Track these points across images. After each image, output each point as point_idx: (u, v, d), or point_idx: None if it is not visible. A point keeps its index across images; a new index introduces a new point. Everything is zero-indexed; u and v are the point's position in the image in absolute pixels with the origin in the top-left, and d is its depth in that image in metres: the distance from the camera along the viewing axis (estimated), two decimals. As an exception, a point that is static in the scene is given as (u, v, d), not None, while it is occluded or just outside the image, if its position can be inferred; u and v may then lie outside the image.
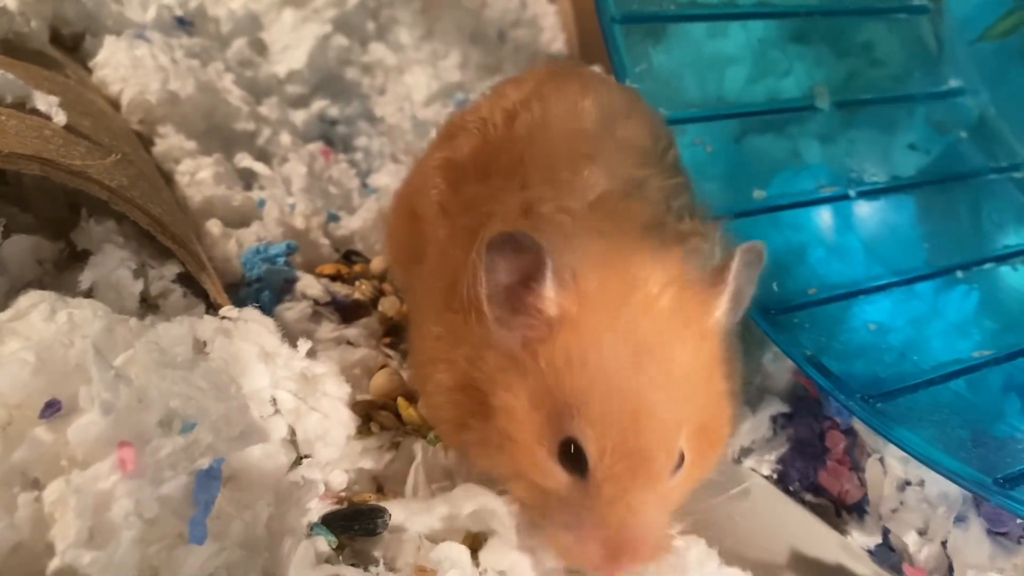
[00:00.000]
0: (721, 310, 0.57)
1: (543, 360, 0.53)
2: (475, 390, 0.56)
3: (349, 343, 0.79)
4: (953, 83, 1.05)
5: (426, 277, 0.64)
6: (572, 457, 0.52)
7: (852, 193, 0.92)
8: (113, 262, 0.65)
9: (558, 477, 0.53)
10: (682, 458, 0.54)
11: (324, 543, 0.59)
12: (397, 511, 0.62)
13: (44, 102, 0.69)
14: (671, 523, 0.57)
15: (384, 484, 0.68)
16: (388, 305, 0.83)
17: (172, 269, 0.69)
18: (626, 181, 0.62)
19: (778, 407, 0.80)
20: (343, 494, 0.66)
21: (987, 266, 0.89)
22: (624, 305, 0.53)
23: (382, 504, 0.62)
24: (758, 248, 0.58)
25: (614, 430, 0.51)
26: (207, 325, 0.63)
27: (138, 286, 0.66)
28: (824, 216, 0.92)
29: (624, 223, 0.59)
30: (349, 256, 0.95)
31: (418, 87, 1.47)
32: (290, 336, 0.74)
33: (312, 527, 0.60)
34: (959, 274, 0.88)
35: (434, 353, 0.60)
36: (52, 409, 0.51)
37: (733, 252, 0.57)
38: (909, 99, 1.04)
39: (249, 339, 0.64)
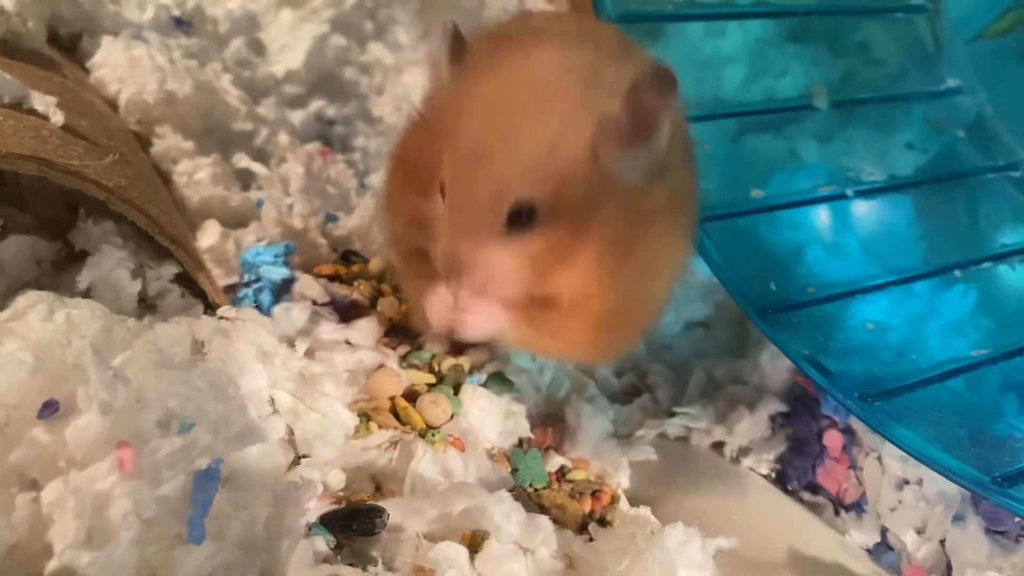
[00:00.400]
0: (616, 109, 0.57)
1: (434, 117, 0.63)
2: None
3: (348, 343, 0.79)
4: (951, 82, 1.05)
5: None
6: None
7: (850, 192, 0.92)
8: (111, 262, 0.65)
9: (436, 204, 0.60)
10: (530, 217, 0.57)
11: (322, 543, 0.59)
12: (395, 511, 0.62)
13: (42, 102, 0.69)
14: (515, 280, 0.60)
15: (382, 484, 0.68)
16: (387, 305, 0.83)
17: (170, 269, 0.69)
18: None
19: (776, 406, 0.81)
20: (341, 494, 0.66)
21: (985, 265, 0.89)
22: (512, 67, 0.60)
23: (380, 504, 0.63)
24: (664, 71, 0.57)
25: (457, 167, 0.58)
26: (205, 325, 0.63)
27: (136, 286, 0.66)
28: (821, 215, 0.92)
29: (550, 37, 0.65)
30: (347, 256, 0.94)
31: (416, 87, 1.46)
32: (288, 336, 0.75)
33: (310, 527, 0.60)
34: (957, 273, 0.88)
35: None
36: (50, 409, 0.51)
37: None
38: (906, 98, 1.04)
39: (247, 339, 0.64)
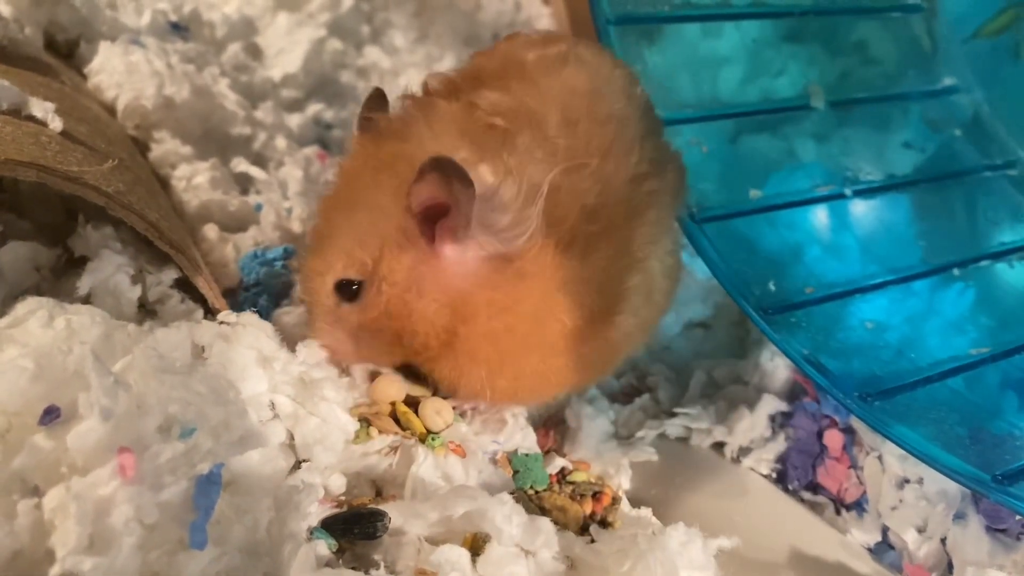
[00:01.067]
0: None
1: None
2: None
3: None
4: (947, 81, 1.05)
5: None
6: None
7: (848, 192, 0.93)
8: (111, 268, 0.65)
9: None
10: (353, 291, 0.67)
11: (324, 547, 0.58)
12: (396, 514, 0.62)
13: (40, 108, 0.69)
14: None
15: (383, 488, 0.68)
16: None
17: (170, 274, 0.69)
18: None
19: (776, 406, 0.81)
20: (342, 498, 0.66)
21: (983, 263, 0.89)
22: (377, 152, 0.69)
23: (381, 507, 0.63)
24: (439, 160, 0.60)
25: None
26: (205, 330, 0.62)
27: (136, 292, 0.66)
28: (820, 215, 0.92)
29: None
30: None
31: (413, 90, 1.46)
32: (288, 340, 0.75)
33: (312, 531, 0.60)
34: (955, 272, 0.88)
35: None
36: (51, 416, 0.51)
37: None
38: (903, 98, 1.04)
39: (247, 344, 0.63)
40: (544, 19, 1.79)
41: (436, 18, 1.74)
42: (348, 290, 0.67)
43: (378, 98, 0.74)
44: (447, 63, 1.57)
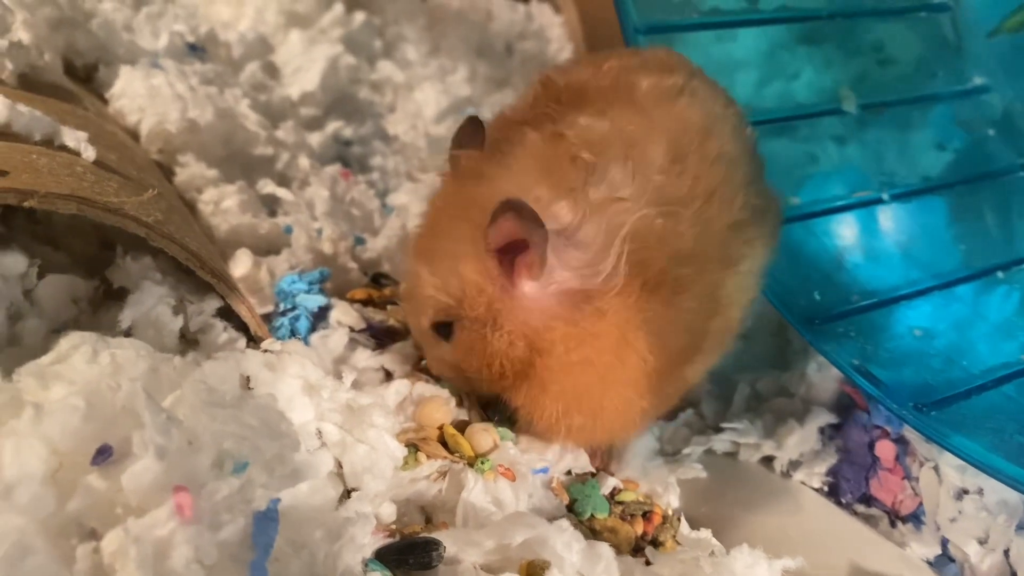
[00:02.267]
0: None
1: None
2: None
3: (385, 369, 0.78)
4: (977, 80, 1.04)
5: None
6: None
7: (885, 196, 0.91)
8: (152, 299, 0.64)
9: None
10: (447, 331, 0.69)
11: (379, 579, 0.57)
12: (449, 542, 0.60)
13: (72, 138, 0.68)
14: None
15: (433, 515, 0.67)
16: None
17: (212, 304, 0.67)
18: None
19: (825, 418, 0.79)
20: (393, 527, 0.64)
21: (1024, 265, 0.88)
22: (458, 194, 0.70)
23: (435, 536, 0.61)
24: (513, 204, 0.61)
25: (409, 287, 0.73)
26: (251, 360, 0.61)
27: (178, 323, 0.65)
28: (858, 221, 0.91)
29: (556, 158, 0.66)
30: (377, 279, 0.93)
31: (428, 103, 1.46)
32: (327, 365, 0.74)
33: (366, 563, 0.58)
34: (999, 274, 0.86)
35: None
36: (104, 455, 0.49)
37: None
38: (934, 98, 1.03)
39: (293, 372, 0.62)
40: (556, 28, 1.78)
41: (447, 30, 1.73)
42: (443, 330, 0.70)
43: (471, 128, 0.72)
44: (460, 75, 1.56)
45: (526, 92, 0.78)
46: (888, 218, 0.92)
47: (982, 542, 0.72)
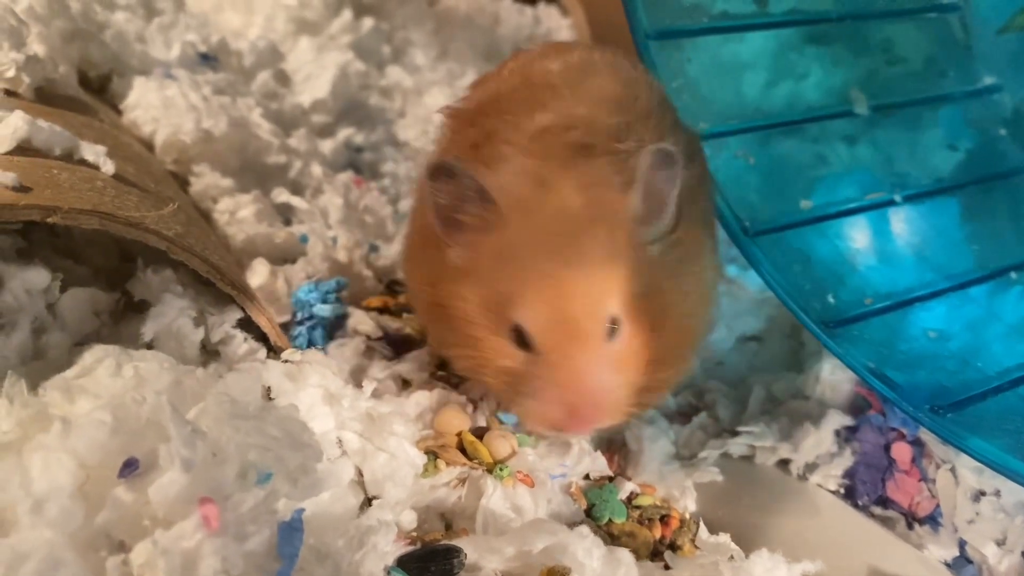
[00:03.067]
0: (634, 204, 0.64)
1: (483, 265, 0.63)
2: (446, 308, 0.65)
3: (402, 377, 0.79)
4: (987, 80, 1.04)
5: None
6: (521, 338, 0.62)
7: (898, 198, 0.91)
8: (174, 312, 0.64)
9: (515, 357, 0.63)
10: (615, 325, 0.63)
11: (402, 586, 0.58)
12: (470, 549, 0.61)
13: (91, 152, 0.69)
14: (624, 385, 0.65)
15: (453, 521, 0.67)
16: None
17: (232, 315, 0.68)
18: (570, 117, 0.68)
19: (841, 420, 0.79)
20: (414, 534, 0.65)
21: (1040, 266, 0.88)
22: (541, 207, 0.62)
23: (455, 543, 0.62)
24: (665, 150, 0.63)
25: (545, 308, 0.61)
26: (271, 370, 0.62)
27: (199, 334, 0.65)
28: (870, 223, 0.91)
29: (555, 147, 0.66)
30: (392, 286, 0.94)
31: (437, 108, 1.46)
32: (344, 373, 0.74)
33: (388, 570, 0.59)
34: (1013, 275, 0.86)
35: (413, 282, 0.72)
36: (131, 468, 0.50)
37: (643, 153, 0.64)
38: (944, 99, 1.02)
39: (314, 382, 0.63)
40: (563, 31, 1.79)
41: (455, 35, 1.74)
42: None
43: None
44: (468, 79, 1.56)
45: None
46: (900, 220, 0.92)
47: (1000, 543, 0.72)
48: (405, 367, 0.79)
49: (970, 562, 0.72)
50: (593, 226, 0.62)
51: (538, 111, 0.69)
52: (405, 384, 0.78)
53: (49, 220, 0.56)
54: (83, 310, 0.65)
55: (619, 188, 0.64)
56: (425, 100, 1.49)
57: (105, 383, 0.56)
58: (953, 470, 0.76)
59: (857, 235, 0.89)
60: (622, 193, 0.63)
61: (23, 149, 0.66)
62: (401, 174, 1.27)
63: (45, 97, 0.87)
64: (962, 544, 0.73)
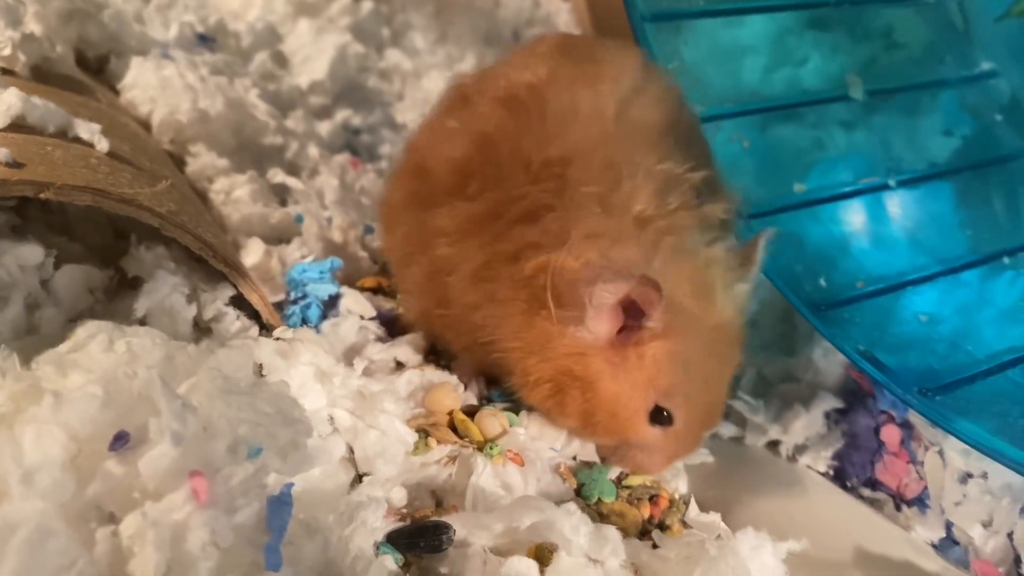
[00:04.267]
0: (748, 292, 0.71)
1: (647, 359, 0.66)
2: (573, 381, 0.68)
3: (397, 361, 0.79)
4: (985, 66, 1.03)
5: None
6: (659, 416, 0.68)
7: (892, 182, 0.92)
8: (166, 288, 0.65)
9: (646, 432, 0.69)
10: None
11: (391, 562, 0.58)
12: (459, 526, 0.61)
13: (86, 130, 0.69)
14: None
15: (443, 499, 0.68)
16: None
17: (225, 292, 0.68)
18: (656, 181, 0.68)
19: (831, 403, 0.80)
20: (404, 511, 0.65)
21: (1032, 251, 0.88)
22: (707, 319, 0.67)
23: (445, 519, 0.62)
24: (772, 233, 0.70)
25: (698, 402, 0.69)
26: (263, 347, 0.62)
27: (192, 311, 0.66)
28: (864, 207, 0.91)
29: (670, 233, 0.67)
30: (387, 267, 0.94)
31: (436, 91, 1.45)
32: (337, 352, 0.74)
33: (378, 546, 0.59)
34: (1005, 260, 0.87)
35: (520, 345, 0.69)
36: (121, 441, 0.50)
37: (757, 240, 0.70)
38: (942, 84, 1.02)
39: (306, 360, 0.63)
40: (563, 14, 1.78)
41: (455, 18, 1.73)
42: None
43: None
44: (468, 63, 1.57)
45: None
46: (895, 204, 0.92)
47: (986, 525, 0.73)
48: (400, 351, 0.80)
49: (956, 543, 0.73)
50: (735, 333, 0.70)
51: (621, 177, 0.68)
52: (399, 366, 0.79)
53: (42, 196, 0.56)
54: (77, 286, 0.66)
55: (735, 275, 0.69)
56: (424, 83, 1.48)
57: (97, 358, 0.56)
58: (941, 452, 0.76)
59: (851, 219, 0.90)
60: (740, 282, 0.70)
61: (17, 126, 0.66)
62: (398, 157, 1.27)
63: (41, 76, 0.87)
64: (949, 525, 0.74)
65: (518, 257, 0.66)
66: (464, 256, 0.69)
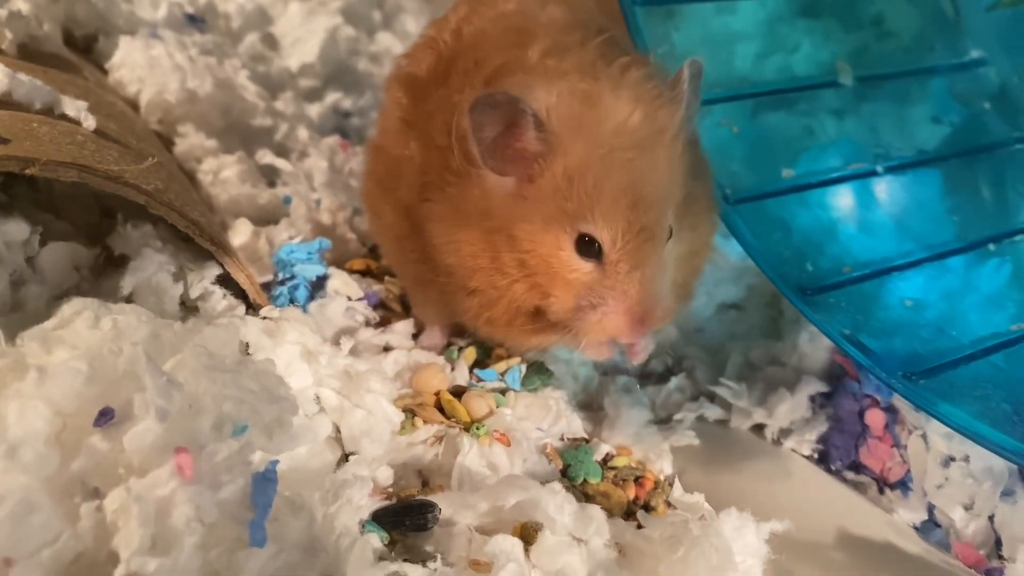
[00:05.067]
0: (680, 114, 0.66)
1: (546, 185, 0.63)
2: (499, 241, 0.65)
3: (385, 341, 0.79)
4: (974, 53, 1.04)
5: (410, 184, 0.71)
6: (587, 247, 0.64)
7: (880, 168, 0.92)
8: (153, 266, 0.65)
9: (580, 267, 0.64)
10: (671, 231, 0.66)
11: (377, 540, 0.59)
12: (445, 505, 0.62)
13: (72, 107, 0.69)
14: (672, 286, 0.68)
15: (429, 478, 0.68)
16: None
17: (211, 271, 0.68)
18: (560, 41, 0.70)
19: (816, 387, 0.80)
20: (390, 490, 0.66)
21: (1018, 238, 0.88)
22: (605, 124, 0.63)
23: (430, 498, 0.63)
24: (698, 63, 0.67)
25: (621, 218, 0.63)
26: (250, 326, 0.62)
27: (178, 289, 0.66)
28: (852, 193, 0.91)
29: (576, 65, 0.67)
30: (375, 250, 0.94)
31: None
32: (325, 333, 0.75)
33: (363, 524, 0.60)
34: (991, 247, 0.87)
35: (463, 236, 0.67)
36: (106, 417, 0.51)
37: (682, 67, 0.67)
38: (932, 71, 1.03)
39: (292, 339, 0.63)
40: None
41: (446, 1, 1.72)
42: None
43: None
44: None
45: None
46: (883, 190, 0.92)
47: (967, 508, 0.73)
48: (391, 337, 0.80)
49: (938, 526, 0.74)
50: (655, 141, 0.64)
51: (534, 40, 0.70)
52: (387, 350, 0.79)
53: (27, 172, 0.56)
54: (63, 264, 0.65)
55: (668, 101, 0.65)
56: (415, 67, 1.48)
57: (83, 334, 0.56)
58: (924, 436, 0.77)
59: (838, 205, 0.90)
60: (672, 105, 0.65)
61: (3, 102, 0.66)
62: (388, 140, 1.26)
63: (29, 54, 0.87)
64: (931, 508, 0.74)
65: (432, 132, 0.68)
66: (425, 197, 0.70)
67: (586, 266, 0.64)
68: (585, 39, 0.70)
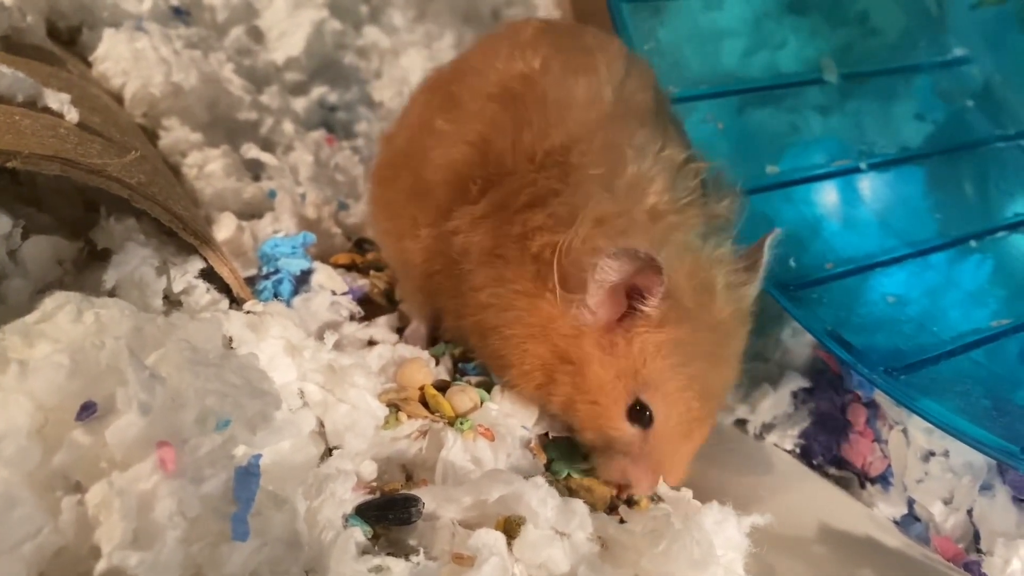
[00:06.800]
0: (757, 287, 0.68)
1: (636, 345, 0.64)
2: (564, 365, 0.67)
3: (371, 335, 0.79)
4: (958, 51, 1.05)
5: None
6: (638, 414, 0.66)
7: (863, 166, 0.93)
8: (136, 260, 0.64)
9: (625, 429, 0.67)
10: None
11: (360, 534, 0.59)
12: (428, 499, 0.62)
13: (55, 100, 0.68)
14: None
15: (413, 473, 0.68)
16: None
17: (195, 265, 0.68)
18: (666, 170, 0.68)
19: (799, 382, 0.81)
20: (374, 484, 0.66)
21: (999, 235, 0.89)
22: (705, 310, 0.65)
23: (414, 492, 0.63)
24: (779, 235, 0.69)
25: (681, 404, 0.65)
26: (234, 321, 0.62)
27: (161, 283, 0.66)
28: (836, 190, 0.92)
29: (680, 229, 0.67)
30: (360, 244, 0.94)
31: (414, 70, 1.45)
32: (309, 327, 0.74)
33: (347, 518, 0.60)
34: (972, 243, 0.88)
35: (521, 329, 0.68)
36: (88, 411, 0.50)
37: (762, 242, 0.68)
38: (915, 69, 1.03)
39: (276, 333, 0.63)
40: (543, -5, 1.77)
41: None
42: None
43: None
44: (447, 41, 1.56)
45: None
46: (866, 187, 0.93)
47: (947, 502, 0.74)
48: (375, 331, 0.80)
49: (918, 520, 0.75)
50: (736, 330, 0.67)
51: (626, 160, 0.68)
52: (371, 344, 0.79)
53: (9, 165, 0.56)
54: (45, 258, 0.65)
55: (742, 274, 0.67)
56: (402, 61, 1.48)
57: (65, 328, 0.56)
58: (905, 431, 0.78)
59: (822, 201, 0.91)
60: (751, 273, 0.67)
61: (-15, 95, 0.65)
62: (375, 134, 1.26)
63: (11, 46, 0.86)
64: (911, 503, 0.75)
65: (526, 237, 0.66)
66: (473, 242, 0.69)
67: (631, 429, 0.66)
68: (686, 169, 0.69)
